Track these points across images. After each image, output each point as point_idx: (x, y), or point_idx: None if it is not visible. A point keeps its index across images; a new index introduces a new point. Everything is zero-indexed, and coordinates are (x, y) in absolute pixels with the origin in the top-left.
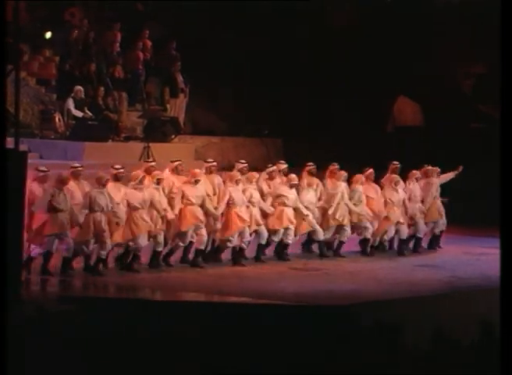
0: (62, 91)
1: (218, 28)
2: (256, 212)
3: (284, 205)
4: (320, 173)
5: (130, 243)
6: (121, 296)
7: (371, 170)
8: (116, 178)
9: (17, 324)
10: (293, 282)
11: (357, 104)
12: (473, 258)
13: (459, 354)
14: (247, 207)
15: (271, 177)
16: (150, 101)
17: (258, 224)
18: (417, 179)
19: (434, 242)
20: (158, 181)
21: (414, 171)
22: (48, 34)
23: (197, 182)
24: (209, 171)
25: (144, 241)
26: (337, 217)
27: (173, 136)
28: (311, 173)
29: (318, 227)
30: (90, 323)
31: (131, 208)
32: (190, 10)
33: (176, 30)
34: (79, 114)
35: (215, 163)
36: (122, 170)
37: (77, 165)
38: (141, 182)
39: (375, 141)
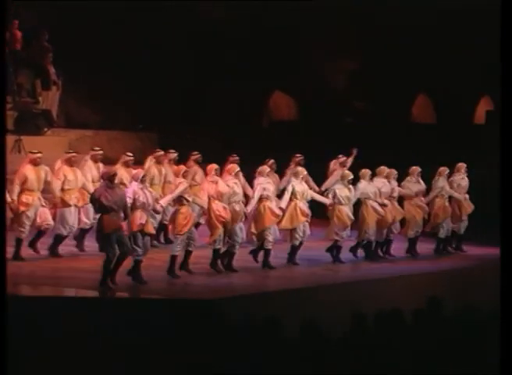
0: None
1: (95, 20)
2: None
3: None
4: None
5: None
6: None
7: (272, 160)
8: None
9: None
10: (166, 275)
11: (233, 99)
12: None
13: (333, 346)
14: None
15: (158, 161)
16: (21, 93)
17: None
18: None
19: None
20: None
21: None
22: None
23: (237, 175)
24: (95, 159)
25: None
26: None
27: (46, 129)
28: (197, 162)
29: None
30: None
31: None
32: (68, 1)
33: (51, 21)
34: None
35: (101, 152)
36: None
37: None
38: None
39: (252, 136)
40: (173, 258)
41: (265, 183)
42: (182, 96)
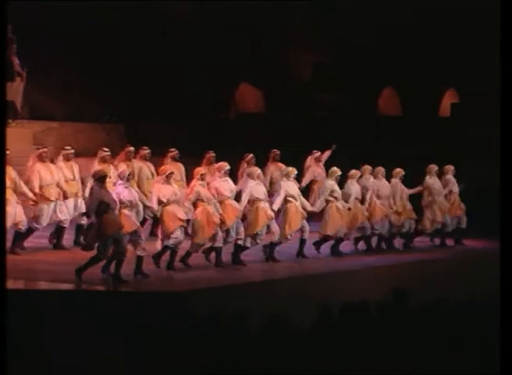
0: None
1: (60, 11)
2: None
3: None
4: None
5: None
6: None
7: (251, 155)
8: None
9: None
10: (131, 267)
11: (200, 91)
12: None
13: (298, 338)
14: None
15: (127, 158)
16: None
17: None
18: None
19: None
20: (202, 177)
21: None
22: None
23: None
24: (67, 158)
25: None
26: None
27: (10, 120)
28: (174, 159)
29: None
30: None
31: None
32: None
33: (15, 12)
34: None
35: (72, 150)
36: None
37: None
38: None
39: (218, 128)
40: (172, 252)
41: (255, 185)
42: (148, 88)
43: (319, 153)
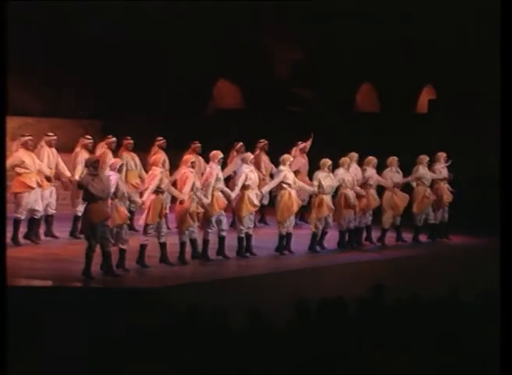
0: None
1: (37, 7)
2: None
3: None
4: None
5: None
6: None
7: (241, 143)
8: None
9: None
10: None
11: (178, 87)
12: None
13: (277, 335)
14: None
15: (110, 148)
16: None
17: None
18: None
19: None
20: (193, 165)
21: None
22: None
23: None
24: (49, 144)
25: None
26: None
27: None
28: (161, 148)
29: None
30: None
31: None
32: None
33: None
34: None
35: (55, 137)
36: None
37: None
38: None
39: (196, 123)
40: (143, 247)
41: (249, 171)
42: (127, 84)
43: (304, 144)
